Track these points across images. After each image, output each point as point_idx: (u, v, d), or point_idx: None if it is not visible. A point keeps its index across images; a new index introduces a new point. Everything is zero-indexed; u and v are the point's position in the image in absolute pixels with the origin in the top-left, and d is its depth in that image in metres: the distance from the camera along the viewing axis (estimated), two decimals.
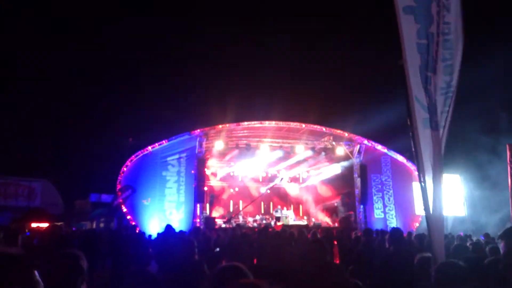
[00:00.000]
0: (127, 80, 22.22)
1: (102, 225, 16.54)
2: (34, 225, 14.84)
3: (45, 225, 14.98)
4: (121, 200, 14.60)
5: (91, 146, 21.09)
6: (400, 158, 16.94)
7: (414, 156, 3.98)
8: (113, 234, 9.94)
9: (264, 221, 17.28)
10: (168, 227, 9.01)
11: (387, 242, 5.39)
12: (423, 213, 4.12)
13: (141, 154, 15.45)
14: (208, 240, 7.23)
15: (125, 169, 15.23)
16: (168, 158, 15.41)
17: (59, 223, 14.95)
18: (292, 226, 15.44)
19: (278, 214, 17.68)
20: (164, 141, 15.55)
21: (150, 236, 11.83)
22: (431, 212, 3.83)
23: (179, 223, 14.12)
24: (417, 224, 16.15)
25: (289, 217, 18.02)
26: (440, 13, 4.33)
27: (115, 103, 22.22)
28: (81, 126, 21.64)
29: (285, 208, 18.97)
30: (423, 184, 3.87)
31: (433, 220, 3.87)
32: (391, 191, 16.93)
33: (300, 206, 20.63)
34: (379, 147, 17.16)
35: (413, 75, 4.03)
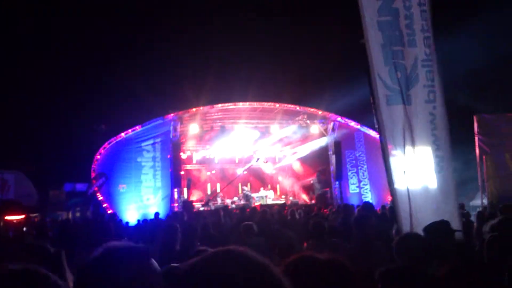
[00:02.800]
0: (98, 64, 21.67)
1: (78, 214, 16.36)
2: (9, 217, 14.55)
3: (20, 217, 14.71)
4: (96, 188, 14.45)
5: (63, 134, 20.68)
6: (373, 133, 17.21)
7: (378, 132, 4.07)
8: (89, 223, 9.87)
9: (242, 202, 17.41)
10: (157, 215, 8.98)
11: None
12: (397, 186, 4.24)
13: (115, 141, 15.26)
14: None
15: (98, 156, 15.05)
16: (143, 144, 15.28)
17: (34, 214, 14.71)
18: (270, 205, 15.64)
19: (255, 195, 17.89)
20: (137, 127, 15.38)
21: (127, 223, 11.80)
22: (394, 185, 3.95)
23: (157, 208, 14.10)
24: (390, 198, 16.53)
25: (267, 196, 18.22)
26: None
27: (86, 88, 21.74)
28: (52, 114, 21.11)
29: (262, 188, 19.15)
30: (386, 158, 3.97)
31: (397, 193, 3.99)
32: (365, 166, 17.25)
33: (278, 186, 20.82)
34: (352, 123, 17.39)
35: (376, 53, 4.08)
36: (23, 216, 14.52)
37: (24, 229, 9.22)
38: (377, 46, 4.09)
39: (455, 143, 4.67)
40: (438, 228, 3.11)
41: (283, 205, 15.46)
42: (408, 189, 4.10)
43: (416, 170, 4.20)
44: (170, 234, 4.18)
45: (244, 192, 18.09)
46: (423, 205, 4.08)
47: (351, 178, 17.30)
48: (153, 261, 1.19)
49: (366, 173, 17.24)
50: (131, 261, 1.14)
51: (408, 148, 4.19)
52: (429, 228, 3.12)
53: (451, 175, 4.34)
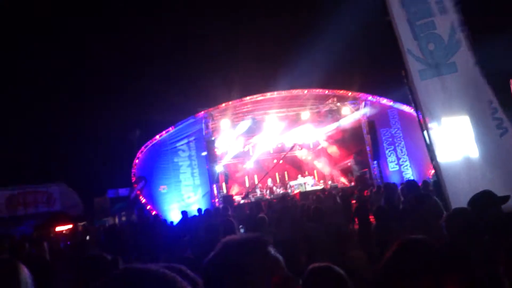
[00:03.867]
0: (127, 72, 22.13)
1: (123, 218, 16.85)
2: (58, 229, 15.16)
3: (68, 227, 15.29)
4: (138, 192, 14.83)
5: (101, 143, 21.27)
6: (406, 108, 16.80)
7: (414, 107, 3.97)
8: (135, 226, 10.14)
9: (280, 192, 17.43)
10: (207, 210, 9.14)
11: (401, 195, 5.42)
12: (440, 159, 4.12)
13: (151, 144, 15.59)
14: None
15: (137, 161, 15.41)
16: (177, 144, 15.54)
17: (81, 223, 15.25)
18: (309, 192, 15.61)
19: (293, 182, 17.91)
20: (170, 128, 15.65)
21: (171, 222, 12.03)
22: (436, 159, 3.85)
23: (199, 205, 14.33)
24: (433, 171, 16.12)
25: (306, 183, 18.15)
26: None
27: (116, 96, 22.25)
28: (90, 125, 21.75)
29: (299, 175, 19.08)
30: (425, 133, 3.88)
31: (440, 166, 3.89)
32: (403, 143, 16.87)
33: (315, 171, 20.70)
34: (384, 101, 17.03)
35: (403, 29, 3.98)
36: (71, 226, 15.10)
37: (87, 237, 9.54)
38: (403, 22, 3.99)
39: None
40: (481, 200, 2.97)
41: (323, 190, 15.38)
42: (451, 161, 3.99)
43: (456, 141, 4.08)
44: (211, 232, 4.23)
45: (292, 183, 18.08)
46: (466, 177, 3.95)
47: (389, 156, 16.98)
48: (270, 248, 1.26)
49: (404, 150, 16.87)
50: (249, 250, 1.24)
51: (447, 119, 4.07)
52: (473, 202, 3.00)
53: (501, 138, 4.12)
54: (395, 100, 16.97)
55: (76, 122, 21.49)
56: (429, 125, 4.05)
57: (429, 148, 3.97)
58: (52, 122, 20.81)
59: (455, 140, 4.11)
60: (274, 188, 18.46)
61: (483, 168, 3.92)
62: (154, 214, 13.85)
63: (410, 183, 5.14)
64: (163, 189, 15.04)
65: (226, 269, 1.21)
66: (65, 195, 17.00)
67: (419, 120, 3.99)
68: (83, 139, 21.17)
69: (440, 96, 3.95)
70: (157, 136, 15.58)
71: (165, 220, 12.17)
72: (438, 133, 4.03)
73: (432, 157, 3.98)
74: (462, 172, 3.97)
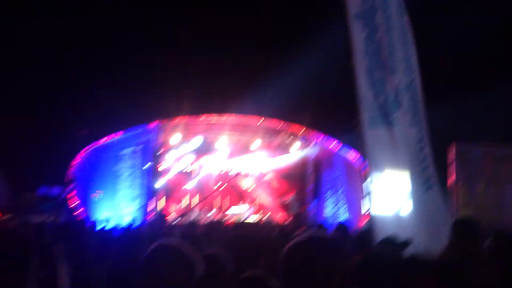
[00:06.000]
0: (82, 69, 21.45)
1: (51, 219, 16.02)
2: None
3: None
4: (69, 194, 14.21)
5: (42, 137, 20.30)
6: (353, 155, 17.35)
7: (361, 154, 4.17)
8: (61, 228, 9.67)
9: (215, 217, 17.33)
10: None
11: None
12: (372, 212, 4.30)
13: (94, 147, 15.07)
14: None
15: (76, 161, 14.82)
16: (122, 151, 15.14)
17: (6, 216, 14.37)
18: (248, 224, 15.60)
19: (233, 210, 17.88)
20: (118, 133, 15.23)
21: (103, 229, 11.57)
22: (371, 210, 4.02)
23: (132, 217, 13.91)
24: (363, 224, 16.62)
25: (244, 213, 18.13)
26: (390, 18, 4.55)
27: (68, 90, 21.45)
28: (33, 117, 20.74)
29: (240, 202, 19.08)
30: (365, 182, 4.04)
31: (374, 218, 4.05)
32: (343, 188, 17.32)
33: (256, 201, 20.74)
34: (333, 143, 17.51)
35: (361, 78, 4.23)
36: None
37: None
38: (363, 72, 4.24)
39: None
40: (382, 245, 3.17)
41: (256, 227, 15.34)
42: (384, 215, 4.17)
43: (391, 195, 4.28)
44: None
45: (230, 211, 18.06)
46: (398, 232, 4.12)
47: (329, 199, 17.37)
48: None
49: (344, 195, 17.31)
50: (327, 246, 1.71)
51: (388, 172, 4.28)
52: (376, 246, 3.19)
53: (432, 196, 4.43)
54: (344, 144, 17.49)
55: (19, 109, 20.42)
56: (370, 175, 4.24)
57: (366, 196, 4.12)
58: None
59: (392, 193, 4.31)
60: (211, 212, 18.30)
61: (411, 223, 4.15)
62: (81, 219, 13.26)
63: (341, 226, 5.30)
64: (98, 194, 14.50)
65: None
66: None
67: (362, 169, 4.17)
68: (25, 130, 20.12)
69: (382, 147, 4.21)
70: (103, 140, 15.11)
71: (92, 226, 11.67)
72: (379, 185, 4.22)
73: (367, 207, 4.15)
74: (391, 225, 4.15)
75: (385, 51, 4.38)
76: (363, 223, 16.38)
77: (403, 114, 4.40)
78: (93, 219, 13.75)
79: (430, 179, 4.36)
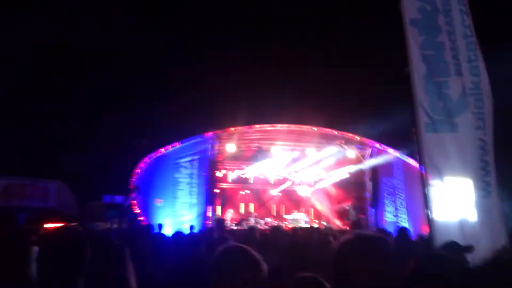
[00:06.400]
0: (140, 82, 22.45)
1: (115, 225, 16.78)
2: (48, 225, 15.06)
3: (59, 225, 15.15)
4: (132, 201, 14.83)
5: (105, 148, 21.36)
6: (412, 162, 16.86)
7: (418, 160, 4.09)
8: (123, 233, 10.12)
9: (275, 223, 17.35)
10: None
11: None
12: (436, 218, 4.20)
13: (155, 156, 15.68)
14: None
15: (138, 170, 15.48)
16: (181, 160, 15.62)
17: (73, 224, 15.16)
18: (306, 229, 15.49)
19: (287, 216, 17.83)
20: (177, 144, 15.77)
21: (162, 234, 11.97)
22: (432, 216, 3.92)
23: (191, 224, 14.28)
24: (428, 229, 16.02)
25: (300, 220, 18.09)
26: (452, 22, 4.44)
27: (130, 104, 22.49)
28: (95, 129, 21.92)
29: (295, 211, 19.04)
30: (424, 188, 3.96)
31: (435, 224, 3.95)
32: (403, 195, 16.85)
33: (311, 209, 20.63)
34: (390, 150, 17.11)
35: (418, 84, 4.16)
36: (62, 225, 14.98)
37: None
38: (420, 77, 4.18)
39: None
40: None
41: (317, 229, 15.27)
42: (447, 221, 4.06)
43: (455, 201, 4.16)
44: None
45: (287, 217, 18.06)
46: (461, 240, 3.99)
47: (388, 206, 16.95)
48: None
49: (403, 202, 16.84)
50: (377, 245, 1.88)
51: (448, 178, 4.17)
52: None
53: (498, 203, 4.26)
54: (401, 152, 17.06)
55: (83, 122, 21.65)
56: (431, 181, 4.15)
57: (427, 203, 4.04)
58: (59, 119, 20.98)
59: (454, 200, 4.19)
60: (269, 219, 18.39)
61: (473, 229, 4.01)
62: (146, 225, 13.79)
63: (403, 230, 5.19)
64: (159, 202, 15.04)
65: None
66: (61, 193, 16.98)
67: (421, 174, 4.09)
68: (88, 142, 21.29)
69: (443, 153, 4.10)
70: (163, 149, 15.70)
71: (159, 232, 12.11)
72: (438, 190, 4.12)
73: (428, 213, 4.05)
74: (455, 233, 4.02)
75: (447, 54, 4.28)
76: (425, 229, 15.86)
77: (466, 118, 4.25)
78: (155, 225, 14.29)
79: (491, 186, 4.18)
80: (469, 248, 3.13)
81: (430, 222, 4.02)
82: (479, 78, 4.35)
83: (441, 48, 4.33)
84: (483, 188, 4.18)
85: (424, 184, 4.09)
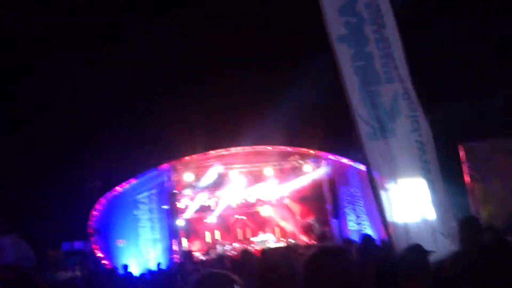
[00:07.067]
0: (86, 122, 21.91)
1: (78, 273, 16.09)
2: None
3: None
4: (93, 245, 14.34)
5: (57, 193, 20.56)
6: (365, 168, 17.34)
7: (366, 168, 4.28)
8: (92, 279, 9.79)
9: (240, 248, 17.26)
10: None
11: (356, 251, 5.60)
12: (395, 220, 4.37)
13: (111, 196, 15.29)
14: None
15: (96, 212, 15.02)
16: (138, 196, 15.33)
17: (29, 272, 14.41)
18: (274, 249, 15.49)
19: (254, 239, 17.81)
20: (132, 180, 15.47)
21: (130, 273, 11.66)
22: (390, 219, 4.11)
23: (157, 260, 13.97)
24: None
25: (267, 240, 18.10)
26: (379, 31, 4.71)
27: (76, 145, 21.83)
28: (43, 174, 21.07)
29: (261, 232, 19.04)
30: (376, 193, 4.15)
31: (394, 226, 4.13)
32: (362, 202, 17.30)
33: (277, 228, 20.69)
34: (344, 160, 17.58)
35: (353, 95, 4.39)
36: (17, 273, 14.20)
37: None
38: (355, 88, 4.41)
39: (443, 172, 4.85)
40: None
41: (287, 248, 15.33)
42: (405, 222, 4.24)
43: (412, 202, 4.37)
44: None
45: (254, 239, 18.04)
46: (422, 238, 4.17)
47: (349, 214, 17.33)
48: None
49: (363, 209, 17.27)
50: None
51: (400, 180, 4.38)
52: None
53: (445, 198, 4.50)
54: (354, 160, 17.56)
55: (29, 172, 20.76)
56: (385, 185, 4.35)
57: (380, 207, 4.23)
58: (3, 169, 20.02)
59: (409, 200, 4.40)
60: (236, 244, 18.26)
61: (428, 228, 4.23)
62: (111, 268, 13.35)
63: (366, 237, 5.35)
64: (120, 243, 14.62)
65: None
66: (18, 247, 16.13)
67: (370, 179, 4.29)
68: (38, 189, 20.41)
69: (388, 157, 4.33)
70: (118, 188, 15.34)
71: (127, 273, 11.76)
72: (393, 192, 4.33)
73: (383, 217, 4.23)
74: (416, 233, 4.22)
75: (377, 64, 4.52)
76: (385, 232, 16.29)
77: (401, 122, 4.51)
78: (120, 266, 13.86)
79: (434, 183, 4.43)
80: (429, 251, 3.31)
81: (386, 226, 4.19)
82: (408, 83, 4.64)
83: (371, 58, 4.59)
84: (429, 187, 4.42)
85: (374, 189, 4.29)
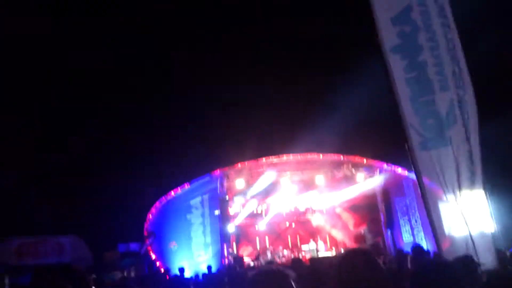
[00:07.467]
0: (145, 129, 22.77)
1: (133, 273, 16.68)
2: None
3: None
4: (148, 247, 14.82)
5: (114, 196, 21.44)
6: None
7: (416, 178, 4.16)
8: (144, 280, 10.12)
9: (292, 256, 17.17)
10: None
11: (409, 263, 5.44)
12: (453, 233, 4.22)
13: (165, 200, 15.77)
14: None
15: (150, 216, 15.54)
16: (191, 201, 15.70)
17: (91, 276, 15.08)
18: (321, 258, 15.35)
19: (306, 247, 17.64)
20: (186, 185, 15.87)
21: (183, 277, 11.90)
22: (448, 232, 3.96)
23: (207, 264, 14.19)
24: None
25: (317, 249, 17.89)
26: (434, 37, 4.58)
27: (135, 150, 22.73)
28: (103, 178, 22.07)
29: (311, 240, 18.84)
30: (427, 205, 4.01)
31: (453, 240, 3.98)
32: (417, 213, 16.67)
33: (327, 237, 20.39)
34: (399, 170, 17.07)
35: (405, 106, 4.27)
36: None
37: None
38: (406, 100, 4.30)
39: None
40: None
41: (334, 257, 15.13)
42: (463, 235, 4.08)
43: (471, 214, 4.19)
44: None
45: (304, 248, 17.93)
46: (479, 252, 4.00)
47: (403, 226, 16.77)
48: None
49: (419, 220, 16.64)
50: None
51: (459, 191, 4.21)
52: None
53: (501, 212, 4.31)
54: (410, 169, 17.00)
55: (89, 175, 21.82)
56: (443, 196, 4.18)
57: (436, 219, 4.08)
58: (64, 173, 21.16)
59: (469, 212, 4.22)
60: (286, 251, 18.20)
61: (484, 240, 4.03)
62: (164, 270, 13.74)
63: (417, 248, 5.19)
64: (173, 245, 15.02)
65: None
66: (76, 247, 16.96)
67: (421, 191, 4.15)
68: (97, 191, 21.39)
69: (444, 167, 4.16)
70: (172, 192, 15.79)
71: (180, 275, 12.04)
72: (453, 204, 4.16)
73: (439, 230, 4.08)
74: (469, 245, 4.04)
75: (431, 72, 4.38)
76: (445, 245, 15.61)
77: (457, 130, 4.34)
78: (174, 269, 14.24)
79: (480, 196, 4.22)
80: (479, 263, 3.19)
81: (438, 238, 4.04)
82: (464, 91, 4.45)
83: (424, 67, 4.45)
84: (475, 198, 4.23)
85: (426, 199, 4.14)
